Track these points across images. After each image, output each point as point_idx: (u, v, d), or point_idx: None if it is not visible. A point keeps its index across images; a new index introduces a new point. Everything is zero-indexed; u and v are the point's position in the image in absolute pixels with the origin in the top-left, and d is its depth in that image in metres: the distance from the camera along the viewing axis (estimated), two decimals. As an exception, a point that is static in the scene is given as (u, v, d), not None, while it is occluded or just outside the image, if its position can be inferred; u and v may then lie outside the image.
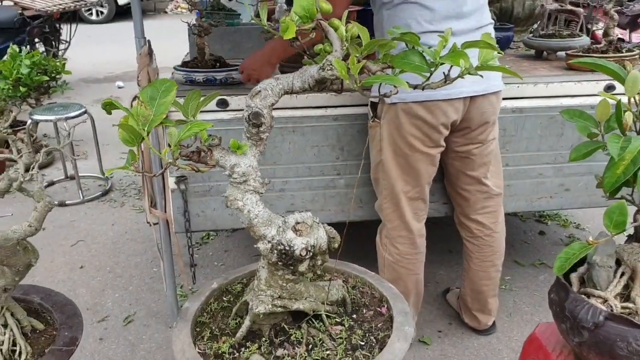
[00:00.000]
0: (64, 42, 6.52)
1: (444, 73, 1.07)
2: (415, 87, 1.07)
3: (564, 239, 3.09)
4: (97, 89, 6.56)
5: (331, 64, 1.06)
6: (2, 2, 6.14)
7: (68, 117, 3.50)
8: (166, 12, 13.87)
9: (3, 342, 1.20)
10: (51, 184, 3.90)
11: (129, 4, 12.42)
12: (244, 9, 3.10)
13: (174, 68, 2.31)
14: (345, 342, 1.25)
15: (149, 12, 13.39)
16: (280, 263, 1.19)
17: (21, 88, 4.07)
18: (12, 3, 5.84)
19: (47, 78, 4.16)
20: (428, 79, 1.06)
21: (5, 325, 1.22)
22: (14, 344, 1.22)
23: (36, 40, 6.10)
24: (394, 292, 1.41)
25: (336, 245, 1.22)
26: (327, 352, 1.22)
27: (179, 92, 2.29)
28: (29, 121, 3.56)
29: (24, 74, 4.05)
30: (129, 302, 2.61)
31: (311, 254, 1.17)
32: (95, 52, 8.57)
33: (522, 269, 2.79)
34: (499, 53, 1.05)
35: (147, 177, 2.23)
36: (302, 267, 1.19)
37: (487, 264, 2.05)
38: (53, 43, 6.35)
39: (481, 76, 1.10)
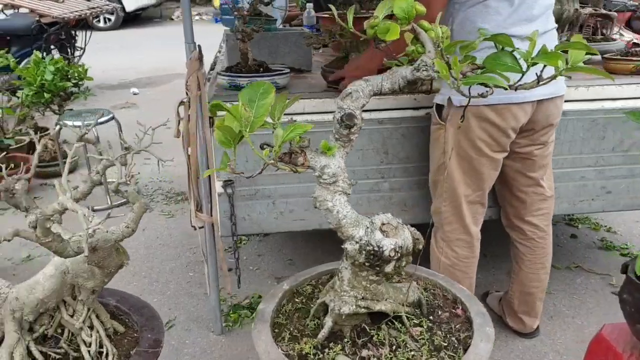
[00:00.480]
0: (78, 48, 6.55)
1: (536, 74, 1.08)
2: (509, 87, 1.08)
3: (597, 242, 3.09)
4: (112, 95, 6.57)
5: (426, 65, 1.07)
6: (19, 9, 6.16)
7: (98, 122, 3.51)
8: (172, 19, 13.91)
9: (90, 343, 1.20)
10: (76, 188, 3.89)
11: (136, 11, 12.50)
12: (278, 14, 3.11)
13: (218, 73, 2.32)
14: (427, 343, 1.25)
15: (156, 19, 13.43)
16: (367, 264, 1.19)
17: (45, 94, 4.09)
18: (29, 10, 5.87)
19: (70, 84, 4.18)
20: (520, 79, 1.07)
21: (91, 327, 1.22)
22: (101, 346, 1.22)
23: (52, 47, 6.13)
24: (467, 294, 1.42)
25: (420, 246, 1.23)
26: (412, 352, 1.22)
27: (223, 97, 2.30)
28: (57, 127, 3.57)
29: (47, 80, 4.06)
30: (168, 306, 2.61)
31: (399, 254, 1.17)
32: (104, 59, 8.58)
33: (558, 272, 2.79)
34: (594, 54, 1.06)
35: (193, 180, 2.23)
36: (389, 268, 1.19)
37: (537, 265, 2.05)
38: (68, 50, 6.38)
39: (569, 77, 1.12)
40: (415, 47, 1.12)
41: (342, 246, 1.20)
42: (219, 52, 3.40)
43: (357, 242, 1.17)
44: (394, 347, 1.24)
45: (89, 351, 1.19)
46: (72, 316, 1.22)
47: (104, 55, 8.93)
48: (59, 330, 1.24)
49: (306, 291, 1.46)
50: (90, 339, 1.20)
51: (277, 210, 2.27)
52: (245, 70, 2.28)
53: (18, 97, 4.25)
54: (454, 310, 1.38)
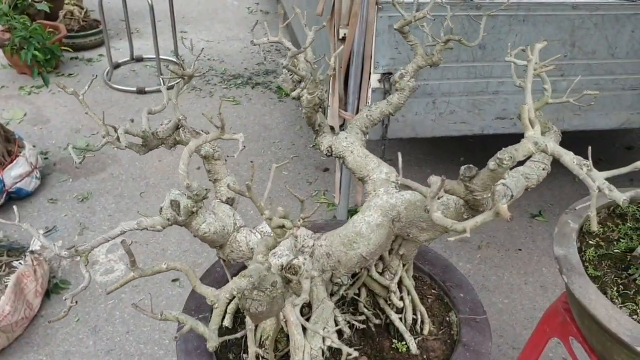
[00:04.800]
0: None
1: None
2: None
3: None
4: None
5: None
6: None
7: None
8: None
9: (403, 309, 0.88)
10: (117, 66, 3.37)
11: None
12: None
13: None
14: None
15: None
16: None
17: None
18: None
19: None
20: None
21: (400, 288, 0.90)
22: (414, 312, 0.91)
23: None
24: None
25: None
26: None
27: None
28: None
29: None
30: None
31: None
32: None
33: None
34: None
35: (340, 73, 1.82)
36: None
37: None
38: None
39: None
40: None
41: None
42: None
43: None
44: None
45: (400, 318, 0.88)
46: (380, 274, 0.89)
47: None
48: (356, 291, 0.92)
49: (598, 232, 1.17)
50: (402, 303, 0.89)
51: (437, 110, 1.91)
52: None
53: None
54: None
